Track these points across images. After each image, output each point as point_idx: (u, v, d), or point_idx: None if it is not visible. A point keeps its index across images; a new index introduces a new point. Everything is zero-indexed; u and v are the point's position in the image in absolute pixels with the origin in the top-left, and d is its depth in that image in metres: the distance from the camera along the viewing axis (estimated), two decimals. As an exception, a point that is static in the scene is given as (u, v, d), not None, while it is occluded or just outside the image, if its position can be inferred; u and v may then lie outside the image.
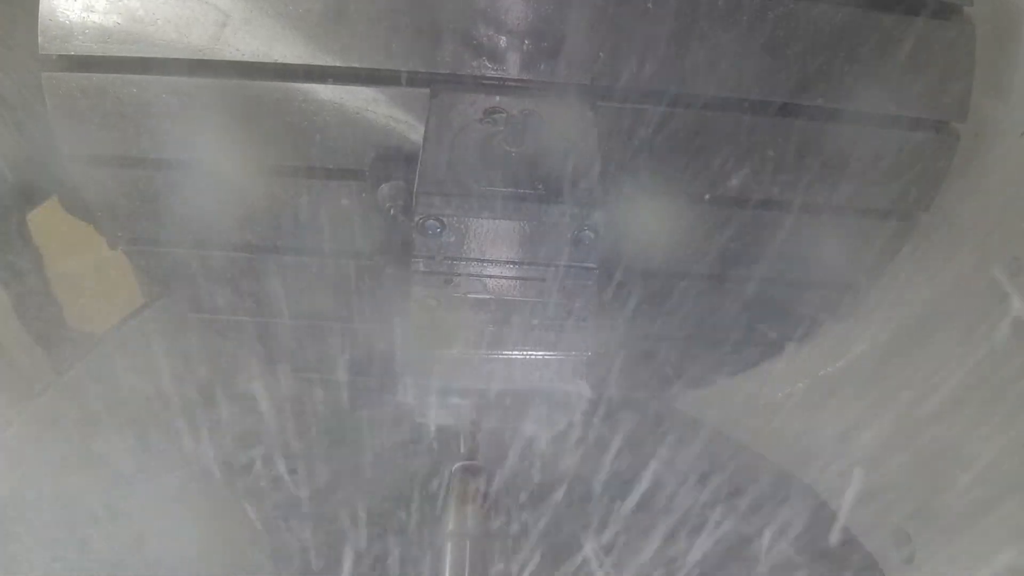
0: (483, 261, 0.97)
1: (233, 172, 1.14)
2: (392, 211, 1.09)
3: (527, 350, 1.02)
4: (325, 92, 1.08)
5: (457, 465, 1.04)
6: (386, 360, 1.19)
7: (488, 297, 0.99)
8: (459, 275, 0.97)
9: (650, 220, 1.18)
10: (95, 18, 1.02)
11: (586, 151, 1.01)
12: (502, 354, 1.02)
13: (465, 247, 0.95)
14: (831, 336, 1.48)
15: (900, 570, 1.34)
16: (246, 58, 1.04)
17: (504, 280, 0.99)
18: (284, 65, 1.05)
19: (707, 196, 1.21)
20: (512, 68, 1.07)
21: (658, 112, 1.11)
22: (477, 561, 0.91)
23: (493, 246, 0.96)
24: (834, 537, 1.39)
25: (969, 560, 1.20)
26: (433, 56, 1.06)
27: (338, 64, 1.06)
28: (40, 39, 1.03)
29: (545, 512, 1.33)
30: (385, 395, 1.46)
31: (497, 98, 1.06)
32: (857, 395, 1.45)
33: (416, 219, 0.92)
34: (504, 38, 1.05)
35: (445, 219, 0.93)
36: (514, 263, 0.98)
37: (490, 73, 1.07)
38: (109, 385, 1.37)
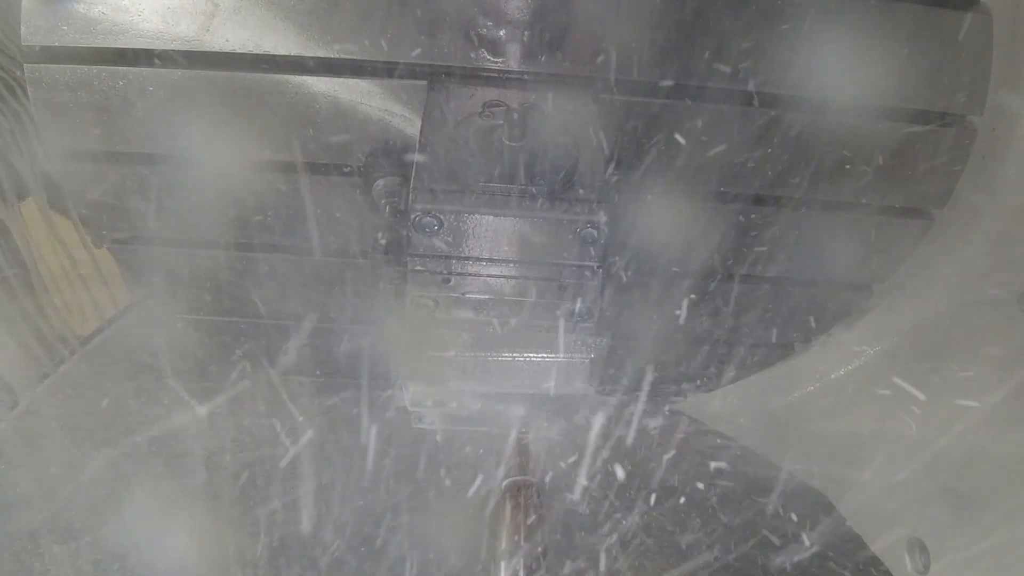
0: (482, 260, 0.94)
1: (222, 168, 1.11)
2: (387, 208, 1.06)
3: (527, 352, 0.99)
4: (318, 85, 1.05)
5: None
6: (381, 362, 1.16)
7: (487, 297, 0.96)
8: (457, 274, 0.94)
9: (657, 218, 1.15)
10: (80, 8, 0.99)
11: (589, 146, 0.98)
12: (501, 357, 0.99)
13: (463, 245, 0.93)
14: (844, 337, 1.44)
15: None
16: (236, 49, 1.02)
17: (504, 279, 0.96)
18: (275, 56, 1.02)
19: (716, 193, 1.18)
20: (512, 60, 1.04)
21: (664, 105, 1.08)
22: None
23: (492, 244, 0.93)
24: (845, 544, 1.36)
25: (986, 570, 1.17)
26: (430, 47, 1.03)
27: (331, 55, 1.03)
28: (23, 29, 1.00)
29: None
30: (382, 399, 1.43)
31: (496, 91, 1.03)
32: (871, 398, 1.42)
33: (412, 216, 0.89)
34: (504, 29, 1.01)
35: (442, 216, 0.90)
36: (514, 262, 0.95)
37: (489, 65, 1.04)
38: (95, 389, 1.34)
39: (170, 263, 1.23)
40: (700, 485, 1.45)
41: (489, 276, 0.95)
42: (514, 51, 1.03)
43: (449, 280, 0.95)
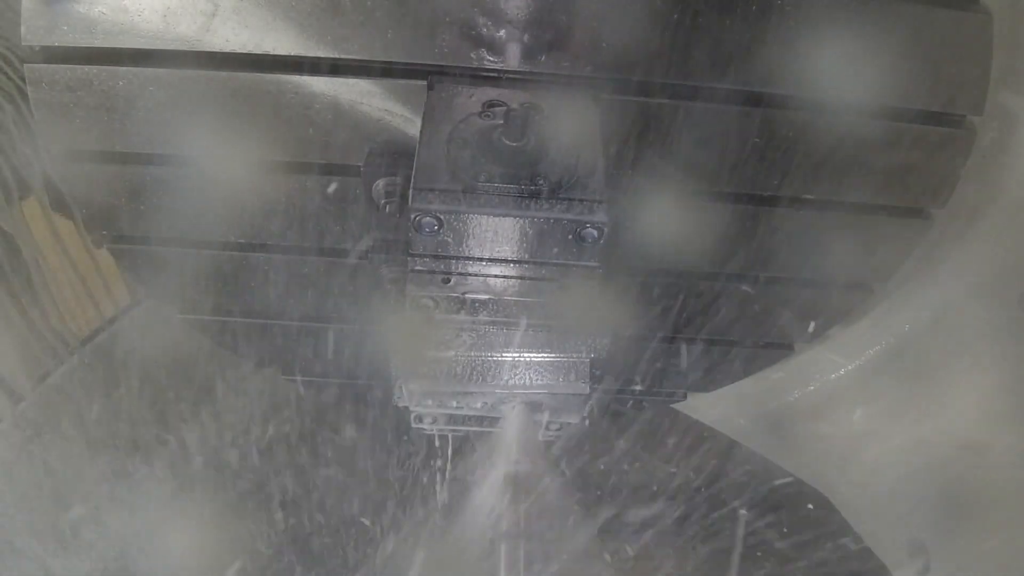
0: (482, 260, 0.94)
1: (222, 168, 1.11)
2: (387, 208, 1.06)
3: (528, 352, 0.99)
4: (318, 84, 1.05)
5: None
6: (381, 363, 1.16)
7: (487, 297, 0.96)
8: (457, 274, 0.94)
9: (656, 218, 1.15)
10: (80, 8, 0.99)
11: (589, 146, 0.98)
12: (502, 356, 0.99)
13: (463, 245, 0.92)
14: (844, 337, 1.44)
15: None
16: (236, 49, 1.01)
17: (504, 280, 0.96)
18: (276, 56, 1.02)
19: (715, 192, 1.18)
20: (512, 59, 1.04)
21: (664, 105, 1.08)
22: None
23: (492, 244, 0.93)
24: (846, 545, 1.36)
25: (987, 571, 1.17)
26: (430, 47, 1.03)
27: (332, 55, 1.03)
28: (23, 29, 1.00)
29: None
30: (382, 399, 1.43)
31: (497, 91, 1.02)
32: (871, 398, 1.42)
33: (412, 216, 0.89)
34: (504, 28, 1.01)
35: (442, 216, 0.90)
36: (514, 262, 0.94)
37: (489, 65, 1.04)
38: (94, 391, 1.34)
39: (170, 263, 1.23)
40: (699, 485, 1.45)
41: (489, 276, 0.95)
42: (514, 51, 1.03)
43: (449, 280, 0.95)
